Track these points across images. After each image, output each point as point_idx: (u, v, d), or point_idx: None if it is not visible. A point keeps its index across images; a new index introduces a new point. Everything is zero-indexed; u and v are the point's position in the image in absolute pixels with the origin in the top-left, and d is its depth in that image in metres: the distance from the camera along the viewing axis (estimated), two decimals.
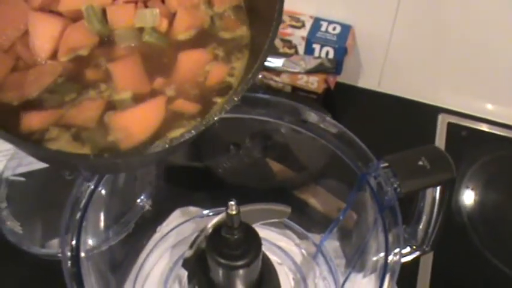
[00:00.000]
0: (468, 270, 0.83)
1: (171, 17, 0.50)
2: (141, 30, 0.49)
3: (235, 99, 0.45)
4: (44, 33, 0.47)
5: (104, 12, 0.48)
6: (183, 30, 0.50)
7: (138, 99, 0.46)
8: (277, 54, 0.94)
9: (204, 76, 0.48)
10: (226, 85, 0.48)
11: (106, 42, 0.49)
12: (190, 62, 0.49)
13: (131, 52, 0.48)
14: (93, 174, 0.60)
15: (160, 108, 0.46)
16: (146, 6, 0.50)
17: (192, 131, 0.43)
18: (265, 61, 0.46)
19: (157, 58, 0.48)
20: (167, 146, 0.43)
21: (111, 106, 0.46)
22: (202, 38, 0.50)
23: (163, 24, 0.49)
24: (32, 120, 0.44)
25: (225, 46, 0.50)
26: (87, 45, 0.48)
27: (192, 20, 0.50)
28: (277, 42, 0.94)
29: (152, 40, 0.49)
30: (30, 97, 0.45)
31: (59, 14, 0.48)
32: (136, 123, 0.45)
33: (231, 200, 0.54)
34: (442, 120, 0.99)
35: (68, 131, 0.44)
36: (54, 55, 0.47)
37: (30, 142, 0.43)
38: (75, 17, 0.48)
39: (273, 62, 0.94)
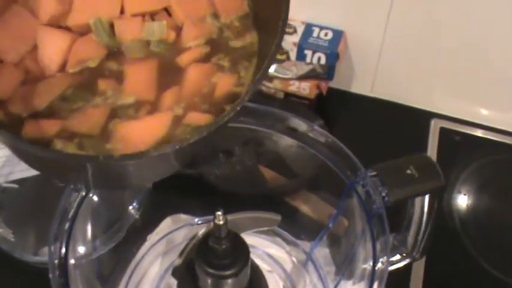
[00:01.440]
0: (460, 275, 0.83)
1: (178, 29, 0.50)
2: (148, 41, 0.49)
3: (245, 99, 0.45)
4: (53, 47, 0.47)
5: (111, 25, 0.49)
6: (190, 41, 0.50)
7: (140, 106, 0.47)
8: None
9: (212, 88, 0.48)
10: (235, 96, 0.48)
11: (114, 54, 0.49)
12: (197, 73, 0.49)
13: (149, 58, 0.49)
14: (91, 187, 0.60)
15: (166, 123, 0.46)
16: (153, 19, 0.50)
17: (204, 132, 0.42)
18: (274, 58, 0.46)
19: (167, 70, 0.49)
20: (177, 147, 0.42)
21: (115, 114, 0.46)
22: (211, 49, 0.50)
23: (171, 37, 0.50)
24: (34, 129, 0.45)
25: (232, 55, 0.50)
26: (96, 57, 0.48)
27: (199, 32, 0.50)
28: None
29: (159, 50, 0.49)
30: (40, 108, 0.46)
31: (68, 29, 0.49)
32: (140, 134, 0.45)
33: (218, 210, 0.54)
34: (435, 125, 0.99)
35: (72, 141, 0.45)
36: (63, 67, 0.48)
37: (39, 145, 0.43)
38: (83, 32, 0.49)
39: None
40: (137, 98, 0.47)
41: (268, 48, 0.47)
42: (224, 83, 0.48)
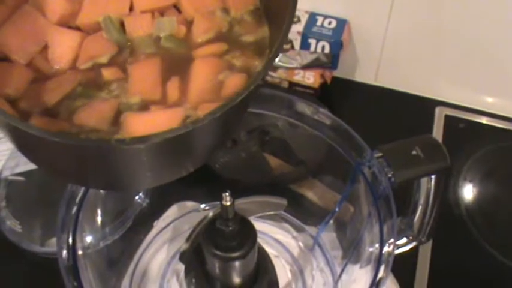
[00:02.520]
0: (466, 261, 0.83)
1: (188, 24, 0.50)
2: (159, 37, 0.49)
3: (255, 83, 0.44)
4: (64, 45, 0.47)
5: (121, 23, 0.49)
6: (201, 35, 0.50)
7: (147, 105, 0.46)
8: None
9: (220, 86, 0.47)
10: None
11: (125, 50, 0.49)
12: (204, 68, 0.48)
13: (152, 56, 0.48)
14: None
15: (179, 116, 0.45)
16: (162, 15, 0.50)
17: (217, 112, 0.41)
18: (282, 47, 0.45)
19: (176, 65, 0.48)
20: (191, 127, 0.40)
21: (124, 107, 0.46)
22: (228, 46, 0.50)
23: (182, 31, 0.50)
24: (41, 123, 0.44)
25: (246, 53, 0.49)
26: (107, 54, 0.48)
27: (209, 25, 0.50)
28: None
29: (170, 46, 0.49)
30: (50, 104, 0.45)
31: (77, 28, 0.49)
32: (151, 127, 0.43)
33: (225, 191, 0.54)
34: (440, 113, 0.99)
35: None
36: (73, 65, 0.48)
37: (49, 131, 0.42)
38: (93, 30, 0.49)
39: None
40: (143, 97, 0.46)
41: (277, 39, 0.46)
42: (231, 83, 0.47)
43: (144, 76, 0.47)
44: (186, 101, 0.46)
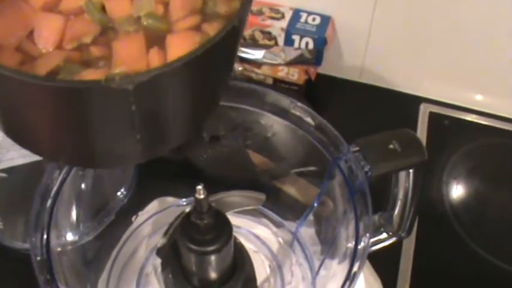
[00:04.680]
0: (450, 258, 0.83)
1: (165, 4, 0.52)
2: (139, 16, 0.51)
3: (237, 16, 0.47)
4: (49, 27, 0.49)
5: (102, 6, 0.51)
6: (178, 12, 0.51)
7: None
8: (257, 46, 0.94)
9: None
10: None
11: (108, 29, 0.50)
12: (181, 40, 0.50)
13: (135, 31, 0.50)
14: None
15: None
16: None
17: (208, 44, 0.43)
18: None
19: (157, 38, 0.50)
20: (182, 62, 0.42)
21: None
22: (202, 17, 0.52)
23: (160, 10, 0.51)
24: None
25: (221, 21, 0.51)
26: (90, 33, 0.50)
27: (184, 2, 0.52)
28: (257, 34, 0.95)
29: (150, 22, 0.50)
30: None
31: (61, 13, 0.51)
32: None
33: (199, 184, 0.53)
34: (424, 110, 0.99)
35: None
36: (59, 46, 0.49)
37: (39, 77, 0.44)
38: (76, 15, 0.51)
39: (253, 54, 0.94)
40: (128, 67, 0.47)
41: None
42: None
43: (128, 48, 0.49)
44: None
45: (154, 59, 0.48)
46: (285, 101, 0.65)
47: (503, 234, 0.86)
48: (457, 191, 0.90)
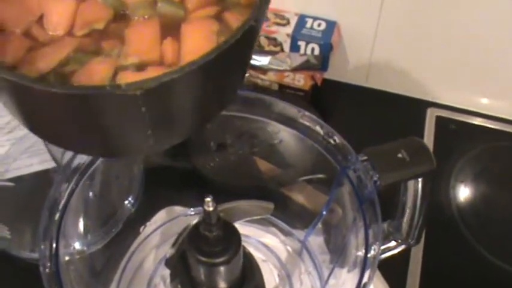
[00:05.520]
0: (459, 263, 0.83)
1: None
2: (155, 1, 0.49)
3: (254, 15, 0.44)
4: (59, 12, 0.48)
5: None
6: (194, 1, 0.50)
7: (143, 66, 0.46)
8: (262, 52, 0.94)
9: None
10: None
11: (121, 15, 0.49)
12: (198, 29, 0.48)
13: (150, 18, 0.49)
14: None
15: None
16: None
17: (217, 49, 0.41)
18: None
19: (172, 27, 0.48)
20: (193, 67, 0.40)
21: (121, 68, 0.46)
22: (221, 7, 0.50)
23: None
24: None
25: (239, 10, 0.49)
26: (103, 19, 0.48)
27: None
28: (263, 40, 0.94)
29: (166, 9, 0.49)
30: (48, 68, 0.45)
31: None
32: None
33: (208, 197, 0.53)
34: (431, 114, 0.99)
35: None
36: (70, 31, 0.48)
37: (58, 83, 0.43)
38: None
39: (259, 60, 0.93)
40: (140, 58, 0.46)
41: None
42: None
43: (141, 37, 0.47)
44: (182, 61, 0.46)
45: (168, 51, 0.46)
46: (292, 110, 0.65)
47: (511, 238, 0.85)
48: (465, 194, 0.89)
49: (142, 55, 0.46)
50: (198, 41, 0.47)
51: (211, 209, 0.54)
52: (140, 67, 0.46)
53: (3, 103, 0.47)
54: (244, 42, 0.45)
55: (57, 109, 0.44)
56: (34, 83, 0.41)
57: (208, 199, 0.53)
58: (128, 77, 0.44)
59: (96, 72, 0.45)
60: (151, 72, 0.43)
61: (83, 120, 0.45)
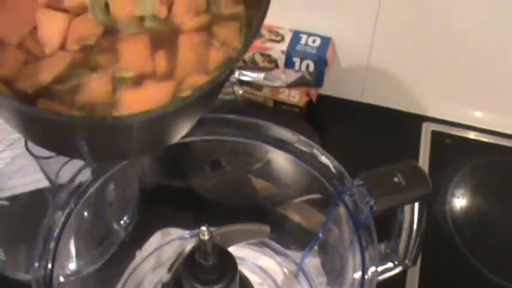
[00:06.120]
0: (456, 278, 0.82)
1: (169, 5, 0.53)
2: (142, 18, 0.51)
3: (239, 58, 0.50)
4: (52, 26, 0.50)
5: (106, 5, 0.51)
6: (182, 15, 0.52)
7: (140, 79, 0.49)
8: (257, 68, 0.94)
9: (206, 58, 0.52)
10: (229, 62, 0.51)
11: (111, 31, 0.51)
12: (188, 42, 0.51)
13: (139, 33, 0.51)
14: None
15: (169, 88, 0.49)
16: None
17: (205, 88, 0.46)
18: (262, 23, 0.50)
19: (163, 40, 0.51)
20: (182, 104, 0.45)
21: (118, 82, 0.49)
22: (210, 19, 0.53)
23: (163, 11, 0.52)
24: (46, 104, 0.47)
25: (226, 24, 0.53)
26: (93, 35, 0.50)
27: (189, 4, 0.53)
28: (257, 57, 0.94)
29: (153, 25, 0.51)
30: (44, 83, 0.48)
31: (65, 10, 0.51)
32: (145, 100, 0.48)
33: (203, 226, 0.53)
34: (426, 129, 0.98)
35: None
36: (63, 46, 0.50)
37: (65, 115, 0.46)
38: (80, 12, 0.51)
39: (254, 76, 0.93)
40: (135, 72, 0.49)
41: (256, 17, 0.50)
42: (215, 57, 0.52)
43: (134, 51, 0.50)
44: (174, 73, 0.50)
45: (162, 63, 0.50)
46: (287, 135, 0.65)
47: (509, 253, 0.85)
48: (461, 210, 0.89)
49: (137, 69, 0.49)
50: (193, 51, 0.51)
51: (206, 238, 0.54)
52: (136, 80, 0.49)
53: (3, 119, 0.50)
54: (226, 79, 0.50)
55: (60, 131, 0.48)
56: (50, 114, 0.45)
57: (203, 228, 0.53)
58: (127, 95, 0.48)
59: (95, 90, 0.48)
60: (149, 89, 0.49)
61: (80, 138, 0.49)
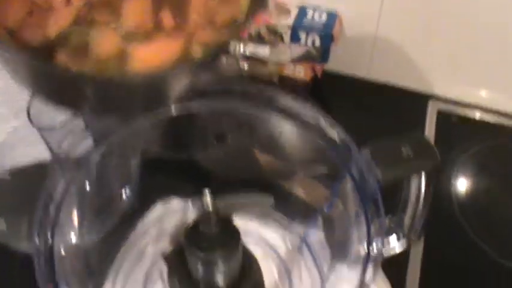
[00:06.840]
0: (459, 259, 0.82)
1: None
2: None
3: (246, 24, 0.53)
4: None
5: None
6: None
7: (150, 34, 0.50)
8: (262, 43, 0.93)
9: (214, 13, 0.53)
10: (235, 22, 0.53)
11: None
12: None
13: None
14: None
15: (179, 46, 0.50)
16: None
17: (211, 51, 0.49)
18: None
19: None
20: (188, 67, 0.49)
21: (128, 37, 0.50)
22: None
23: None
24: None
25: None
26: None
27: None
28: (263, 31, 0.93)
29: None
30: (51, 37, 0.48)
31: None
32: (157, 54, 0.49)
33: (206, 190, 0.53)
34: (432, 107, 0.98)
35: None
36: (68, 1, 0.50)
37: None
38: None
39: (259, 51, 0.92)
40: (137, 28, 0.50)
41: None
42: (225, 12, 0.53)
43: (135, 8, 0.51)
44: (184, 27, 0.51)
45: (169, 19, 0.51)
46: (294, 104, 0.64)
47: None
48: (466, 190, 0.89)
49: (138, 25, 0.50)
50: (198, 9, 0.52)
51: (209, 203, 0.53)
52: (147, 36, 0.50)
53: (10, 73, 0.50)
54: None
55: (71, 86, 0.49)
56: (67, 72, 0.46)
57: (206, 193, 0.52)
58: (139, 50, 0.49)
59: (103, 45, 0.49)
60: (160, 43, 0.50)
61: (89, 93, 0.50)
